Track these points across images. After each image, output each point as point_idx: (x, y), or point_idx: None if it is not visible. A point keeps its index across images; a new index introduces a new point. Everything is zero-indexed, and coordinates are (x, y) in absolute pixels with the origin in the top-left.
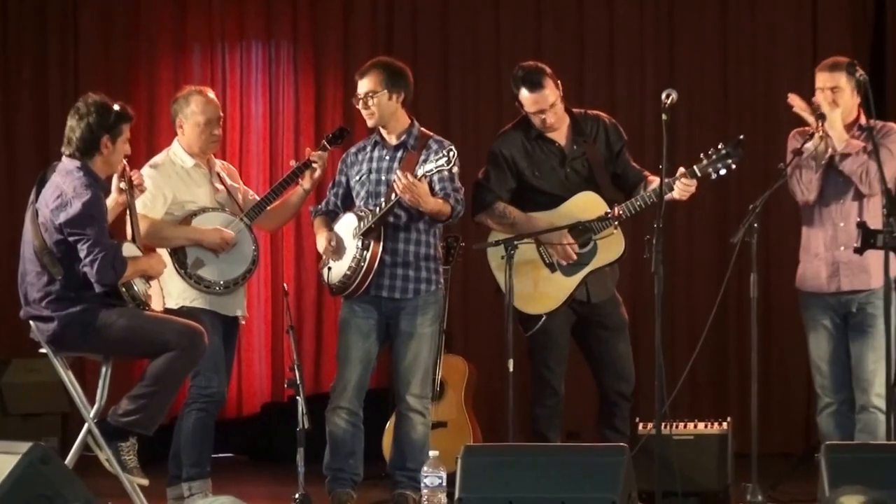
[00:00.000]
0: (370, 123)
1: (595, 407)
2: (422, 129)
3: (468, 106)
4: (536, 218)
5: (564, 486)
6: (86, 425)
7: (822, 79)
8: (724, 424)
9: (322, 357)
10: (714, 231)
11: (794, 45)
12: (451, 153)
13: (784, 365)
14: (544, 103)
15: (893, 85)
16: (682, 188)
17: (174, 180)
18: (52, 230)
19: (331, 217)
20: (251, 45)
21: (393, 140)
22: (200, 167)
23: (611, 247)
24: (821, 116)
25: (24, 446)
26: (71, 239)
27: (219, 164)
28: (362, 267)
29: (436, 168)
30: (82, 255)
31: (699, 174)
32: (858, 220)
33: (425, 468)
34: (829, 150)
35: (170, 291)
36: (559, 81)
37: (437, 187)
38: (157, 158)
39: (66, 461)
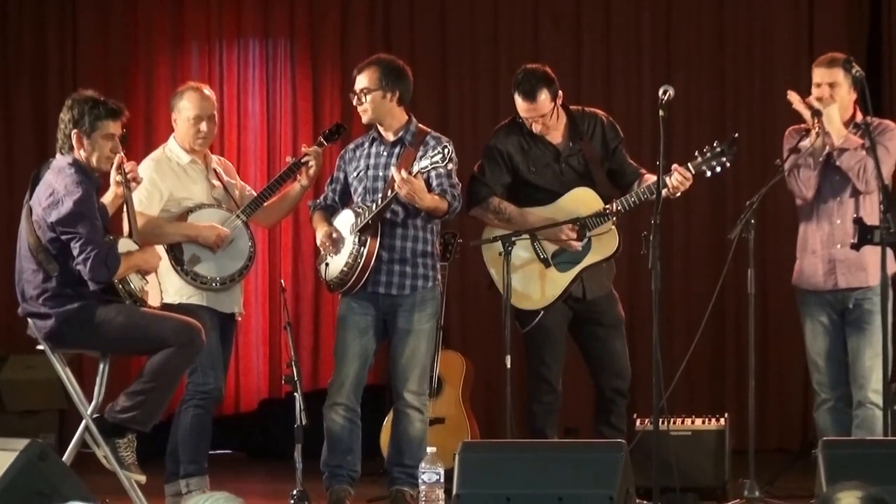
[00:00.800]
0: (363, 120)
1: (592, 403)
2: (419, 125)
3: (466, 102)
4: (531, 213)
5: (562, 482)
6: (83, 422)
7: (820, 74)
8: (722, 420)
9: (319, 353)
10: (711, 227)
11: (791, 43)
12: (447, 149)
13: (781, 361)
14: (535, 113)
15: (890, 82)
16: (678, 181)
17: (170, 177)
18: (45, 228)
19: (329, 212)
20: (249, 43)
21: (390, 137)
22: (196, 163)
23: (605, 243)
24: (816, 113)
25: (22, 443)
26: (63, 237)
27: (215, 160)
28: (359, 263)
29: (431, 164)
30: (75, 253)
31: (693, 171)
32: (855, 216)
33: (423, 464)
34: (827, 147)
35: (166, 288)
36: (559, 90)
37: (433, 183)
38: (153, 154)
39: (64, 458)
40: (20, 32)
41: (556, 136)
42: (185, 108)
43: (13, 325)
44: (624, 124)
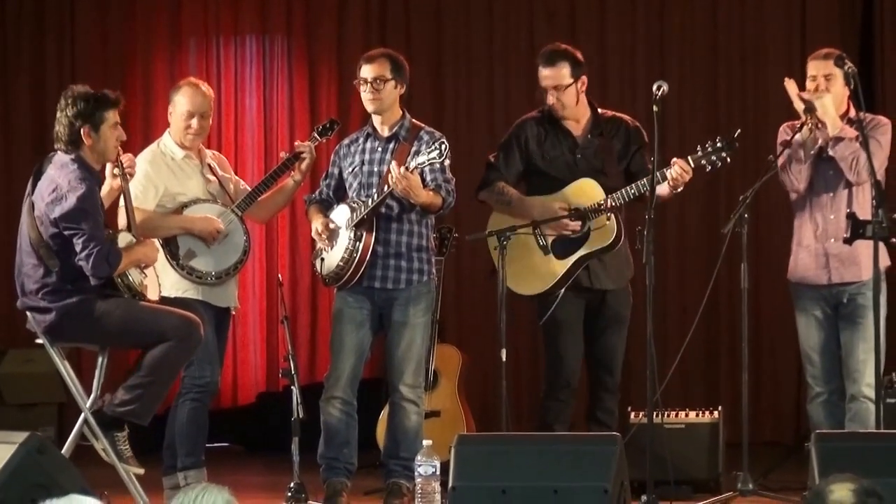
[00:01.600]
0: (372, 108)
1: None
2: (413, 120)
3: (461, 99)
4: (531, 200)
5: (557, 474)
6: (82, 415)
7: (815, 67)
8: (716, 413)
9: (317, 347)
10: (705, 222)
11: (783, 39)
12: (443, 146)
13: (774, 354)
14: (551, 81)
15: (882, 78)
16: (678, 173)
17: (165, 171)
18: (47, 224)
19: (324, 206)
20: (245, 39)
21: (385, 131)
22: (191, 158)
23: (602, 235)
24: (809, 109)
25: (21, 436)
26: (66, 233)
27: (209, 155)
28: (355, 258)
29: (428, 160)
30: (77, 249)
31: (693, 165)
32: (848, 210)
33: (419, 457)
34: (819, 140)
35: (162, 282)
36: (583, 75)
37: (427, 179)
38: (148, 149)
39: (63, 451)
40: (19, 28)
41: (577, 129)
42: (179, 103)
43: (12, 319)
44: None
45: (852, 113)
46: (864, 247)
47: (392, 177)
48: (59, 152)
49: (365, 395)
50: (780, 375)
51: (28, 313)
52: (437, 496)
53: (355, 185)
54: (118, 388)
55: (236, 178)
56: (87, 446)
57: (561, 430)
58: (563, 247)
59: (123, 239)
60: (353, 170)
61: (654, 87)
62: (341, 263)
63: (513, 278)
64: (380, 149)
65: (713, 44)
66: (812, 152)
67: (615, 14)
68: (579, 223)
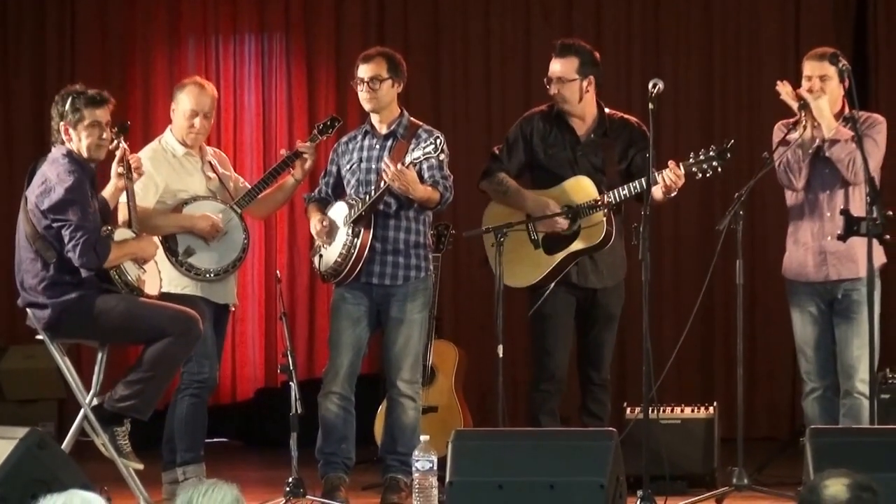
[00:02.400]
0: (369, 107)
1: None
2: (411, 118)
3: (458, 96)
4: (526, 193)
5: (554, 469)
6: (82, 411)
7: (811, 67)
8: (711, 409)
9: (315, 343)
10: (700, 219)
11: (778, 37)
12: (439, 140)
13: (769, 350)
14: (557, 72)
15: (876, 76)
16: (671, 179)
17: (166, 169)
18: (39, 216)
19: (323, 204)
20: (244, 38)
21: (383, 129)
22: (192, 155)
23: (592, 234)
24: (803, 106)
25: (22, 431)
26: (55, 225)
27: (210, 152)
28: (353, 254)
29: (423, 155)
30: (65, 239)
31: (684, 171)
32: (842, 208)
33: (416, 452)
34: (817, 139)
35: (161, 278)
36: (593, 76)
37: (425, 175)
38: (149, 146)
39: (63, 446)
40: (20, 26)
41: (582, 127)
42: (183, 102)
43: (13, 316)
44: None
45: (847, 111)
46: (859, 244)
47: (388, 173)
48: (53, 149)
49: (363, 391)
50: (774, 371)
51: (28, 310)
52: (435, 491)
53: (353, 182)
54: (118, 383)
55: (236, 175)
56: (87, 442)
57: (546, 420)
58: (553, 243)
59: (121, 234)
60: (351, 167)
61: (650, 85)
62: (339, 259)
63: (504, 270)
64: (378, 146)
65: (708, 42)
66: (810, 151)
67: (611, 12)
68: (567, 221)
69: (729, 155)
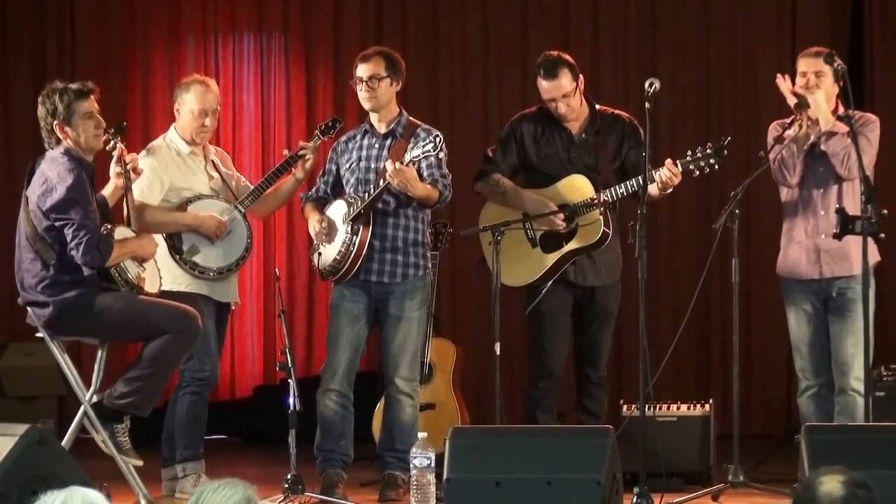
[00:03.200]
0: (369, 106)
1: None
2: (410, 118)
3: (456, 95)
4: (524, 192)
5: (550, 466)
6: (82, 407)
7: (805, 63)
8: (707, 406)
9: (313, 340)
10: (696, 218)
11: (774, 38)
12: (438, 139)
13: (765, 348)
14: (557, 92)
15: (871, 76)
16: (667, 176)
17: (171, 166)
18: (40, 217)
19: (320, 203)
20: (243, 37)
21: (382, 128)
22: (196, 154)
23: (588, 232)
24: (800, 105)
25: (22, 428)
26: (57, 224)
27: (213, 151)
28: (351, 252)
29: (423, 153)
30: (68, 238)
31: (681, 169)
32: (838, 206)
33: (414, 449)
34: (811, 136)
35: (164, 276)
36: (580, 75)
37: (424, 173)
38: (153, 144)
39: (63, 443)
40: (19, 25)
41: (575, 126)
42: (190, 101)
43: (13, 314)
44: None
45: (841, 110)
46: (854, 242)
47: (388, 171)
48: (49, 149)
49: (361, 388)
50: (770, 369)
51: (28, 308)
52: (432, 488)
53: (352, 181)
54: (117, 380)
55: (238, 174)
56: (86, 438)
57: (543, 417)
58: (550, 241)
59: (121, 233)
60: (350, 166)
61: (646, 85)
62: (338, 257)
63: (501, 269)
64: (377, 145)
65: (705, 41)
66: (804, 147)
67: (608, 11)
68: (563, 222)
69: (725, 152)
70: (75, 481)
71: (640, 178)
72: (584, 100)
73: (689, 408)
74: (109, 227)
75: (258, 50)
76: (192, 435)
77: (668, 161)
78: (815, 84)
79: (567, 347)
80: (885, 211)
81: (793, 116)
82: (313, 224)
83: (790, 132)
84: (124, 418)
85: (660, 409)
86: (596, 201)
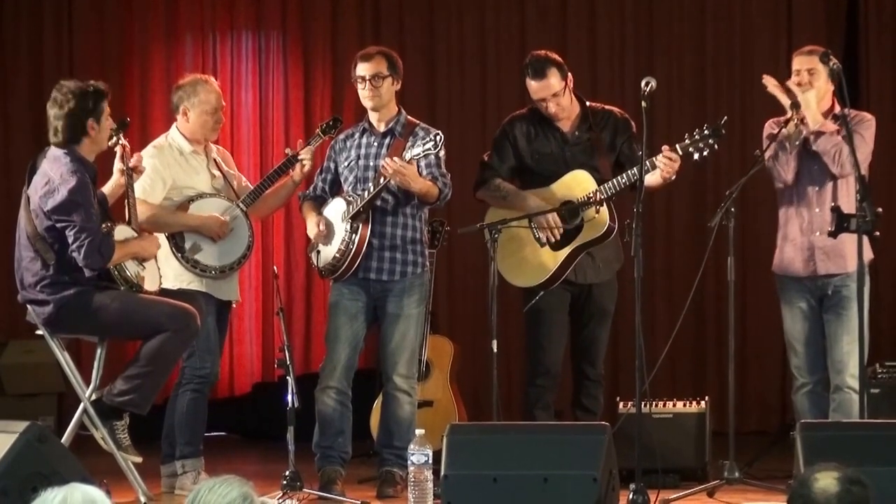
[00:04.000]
0: (371, 105)
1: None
2: (408, 116)
3: (453, 95)
4: (527, 193)
5: (547, 463)
6: (81, 405)
7: (799, 61)
8: (702, 403)
9: (311, 338)
10: (692, 216)
11: (770, 37)
12: (439, 137)
13: (760, 345)
14: (546, 92)
15: (867, 75)
16: (666, 163)
17: (173, 165)
18: (42, 217)
19: (318, 202)
20: (241, 35)
21: (381, 127)
22: (198, 154)
23: (594, 226)
24: (794, 105)
25: (22, 425)
26: (59, 225)
27: (214, 150)
28: (351, 250)
29: (423, 152)
30: (70, 240)
31: (680, 152)
32: (833, 204)
33: (412, 446)
34: (803, 132)
35: (166, 273)
36: (569, 73)
37: (423, 172)
38: (155, 143)
39: (63, 440)
40: (17, 24)
41: (567, 124)
42: (203, 102)
43: (13, 312)
44: None
45: (837, 109)
46: (848, 240)
47: (389, 168)
48: (52, 146)
49: (359, 386)
50: (765, 366)
51: (28, 306)
52: (430, 484)
53: (351, 179)
54: (117, 378)
55: (239, 174)
56: (86, 435)
57: (541, 414)
58: (559, 238)
59: (122, 232)
60: (348, 164)
61: (643, 84)
62: (337, 255)
63: (510, 270)
64: (376, 144)
65: (701, 40)
66: (797, 143)
67: (605, 11)
68: (561, 228)
69: (723, 132)
70: (75, 478)
71: (633, 169)
72: (574, 97)
73: (685, 405)
74: (109, 225)
75: (256, 49)
76: (192, 432)
77: (665, 147)
78: (808, 82)
79: (564, 345)
80: (880, 209)
81: (787, 115)
82: (312, 225)
83: (784, 131)
84: (123, 415)
85: (656, 406)
86: (594, 198)
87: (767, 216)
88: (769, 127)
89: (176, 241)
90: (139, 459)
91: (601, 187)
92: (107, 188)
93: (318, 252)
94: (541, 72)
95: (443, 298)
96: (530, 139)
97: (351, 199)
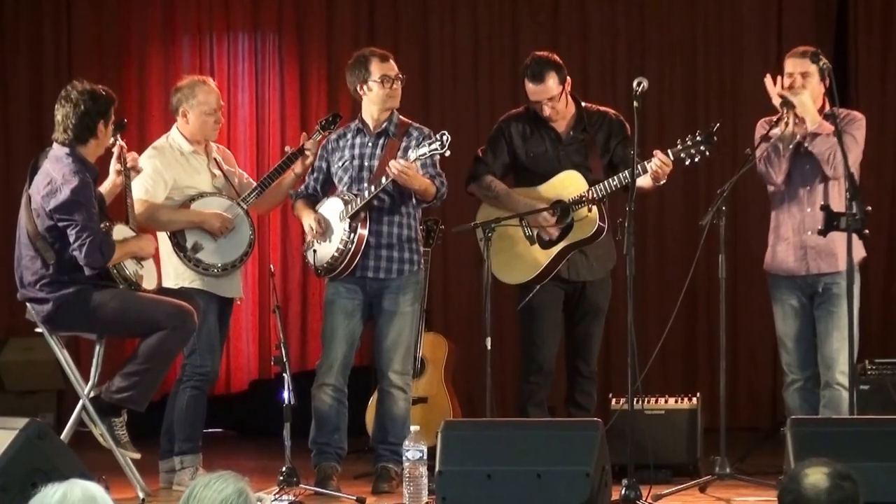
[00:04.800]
0: (393, 104)
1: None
2: (401, 117)
3: (447, 94)
4: (518, 193)
5: (540, 459)
6: (80, 402)
7: (792, 64)
8: (694, 400)
9: (307, 335)
10: (683, 214)
11: (760, 37)
12: (445, 137)
13: (751, 342)
14: (543, 96)
15: (856, 75)
16: (659, 166)
17: (174, 165)
18: (43, 216)
19: (311, 201)
20: (238, 36)
21: (376, 127)
22: (198, 154)
23: (584, 226)
24: (787, 104)
25: (21, 422)
26: (60, 224)
27: (215, 149)
28: (350, 249)
29: (429, 152)
30: (71, 239)
31: (672, 158)
32: (822, 203)
33: (407, 442)
34: (797, 135)
35: (167, 272)
36: (567, 76)
37: (420, 172)
38: (156, 144)
39: (62, 436)
40: (17, 26)
41: (562, 125)
42: (202, 103)
43: (13, 310)
44: None
45: (827, 108)
46: (839, 238)
47: (394, 170)
48: (54, 146)
49: (354, 382)
50: (756, 363)
51: (27, 304)
52: (425, 480)
53: (346, 179)
54: (115, 375)
55: (240, 171)
56: (85, 432)
57: (534, 411)
58: (548, 237)
59: (120, 231)
60: (343, 164)
61: (634, 84)
62: (336, 255)
63: (500, 268)
64: (370, 144)
65: (692, 41)
66: (790, 146)
67: (597, 12)
68: (557, 226)
69: (715, 138)
70: (74, 474)
71: (626, 171)
72: (570, 99)
73: (676, 401)
74: (108, 224)
75: (253, 49)
76: (191, 428)
77: (658, 152)
78: (801, 84)
79: (558, 342)
80: (870, 208)
81: (779, 115)
82: (310, 223)
83: (776, 131)
84: (122, 412)
85: (648, 402)
86: (585, 198)
87: (758, 215)
88: (761, 127)
89: (177, 239)
90: (137, 456)
91: (593, 188)
92: (103, 188)
93: (315, 251)
94: (539, 75)
95: (438, 296)
96: (525, 138)
97: (348, 198)
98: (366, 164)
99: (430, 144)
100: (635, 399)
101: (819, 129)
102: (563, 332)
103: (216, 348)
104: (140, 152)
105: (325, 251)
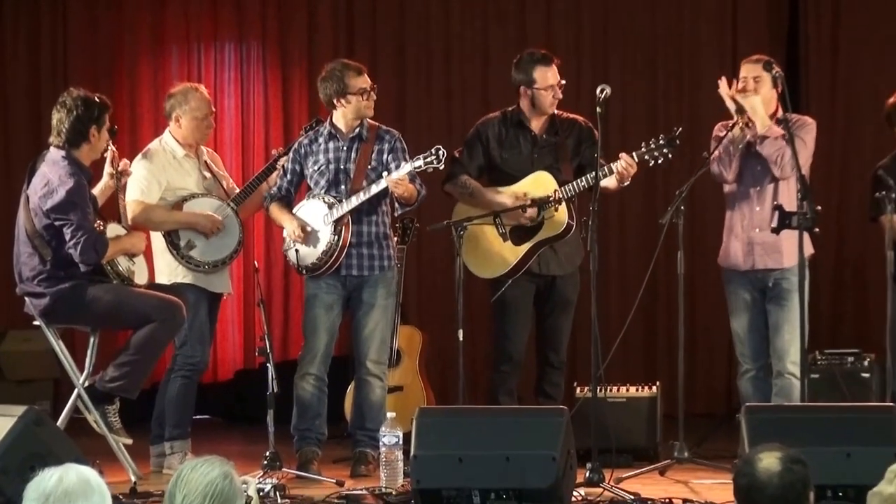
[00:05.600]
0: (370, 114)
1: (534, 373)
2: (370, 121)
3: (422, 100)
4: (491, 191)
5: (509, 444)
6: (75, 390)
7: (746, 69)
8: (654, 388)
9: (289, 327)
10: (644, 214)
11: (716, 48)
12: (441, 153)
13: (708, 334)
14: (557, 78)
15: (807, 82)
16: (624, 167)
17: (168, 169)
18: (40, 215)
19: (285, 202)
20: (224, 46)
21: (348, 132)
22: (190, 157)
23: (554, 224)
24: (740, 110)
25: (20, 409)
26: (57, 224)
27: (205, 153)
28: (335, 251)
29: (424, 164)
30: (67, 238)
31: (637, 159)
32: (775, 202)
33: (383, 428)
34: (747, 136)
35: (161, 268)
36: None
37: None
38: (150, 148)
39: (58, 423)
40: (16, 37)
41: (537, 127)
42: (194, 109)
43: (12, 303)
44: None
45: (780, 113)
46: (786, 236)
47: (399, 187)
48: (51, 150)
49: (333, 371)
50: (713, 353)
51: (26, 298)
52: (400, 464)
53: (322, 182)
54: (108, 365)
55: (227, 174)
56: (80, 419)
57: (504, 399)
58: (519, 235)
59: (113, 230)
60: (319, 168)
61: (598, 91)
62: (322, 256)
63: (474, 263)
64: (344, 148)
65: (652, 50)
66: (741, 146)
67: (562, 19)
68: (535, 211)
69: (678, 142)
70: (70, 458)
71: (591, 174)
72: None
73: (637, 389)
74: (102, 223)
75: (238, 58)
76: (180, 415)
77: (623, 154)
78: (752, 88)
79: (528, 334)
80: (820, 207)
81: (734, 119)
82: (293, 227)
83: (730, 134)
84: (114, 400)
85: (610, 390)
86: (553, 198)
87: (714, 214)
88: (718, 130)
89: (171, 238)
90: (129, 441)
91: (562, 188)
92: (96, 190)
93: (297, 251)
94: (549, 58)
95: (413, 291)
96: (501, 140)
97: (331, 202)
98: (342, 167)
99: (425, 158)
100: (598, 387)
101: (769, 133)
102: (534, 324)
103: (206, 340)
104: (131, 155)
105: (309, 252)
